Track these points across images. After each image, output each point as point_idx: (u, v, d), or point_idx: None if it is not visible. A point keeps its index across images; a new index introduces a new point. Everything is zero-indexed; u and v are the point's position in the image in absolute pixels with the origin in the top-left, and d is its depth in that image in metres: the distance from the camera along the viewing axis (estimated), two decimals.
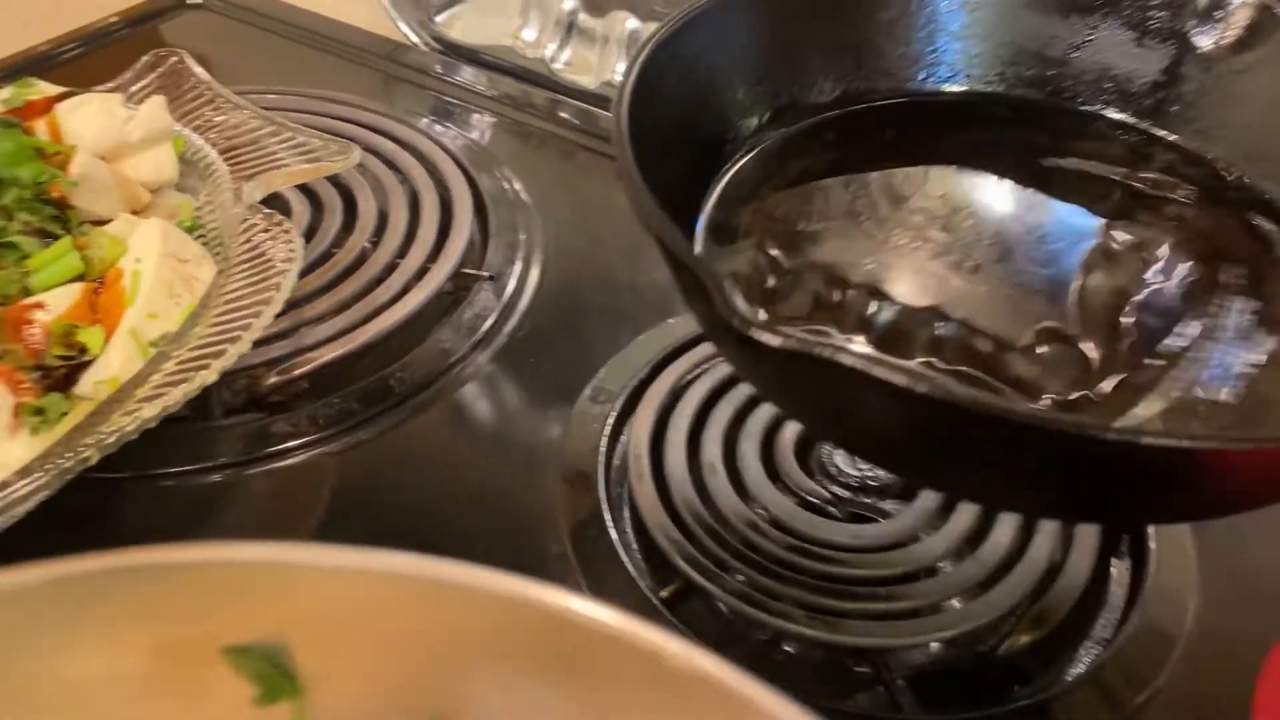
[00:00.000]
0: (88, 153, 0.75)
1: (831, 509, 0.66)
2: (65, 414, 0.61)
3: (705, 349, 0.76)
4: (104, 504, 0.67)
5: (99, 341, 0.64)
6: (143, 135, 0.78)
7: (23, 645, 0.30)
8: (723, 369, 0.74)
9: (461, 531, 0.67)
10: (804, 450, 0.69)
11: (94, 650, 0.30)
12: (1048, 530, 0.64)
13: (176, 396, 0.60)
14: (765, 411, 0.71)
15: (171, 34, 1.14)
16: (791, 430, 0.70)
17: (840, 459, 0.68)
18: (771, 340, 0.38)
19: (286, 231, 0.71)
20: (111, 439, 0.58)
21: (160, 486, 0.71)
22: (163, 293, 0.67)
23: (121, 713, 0.30)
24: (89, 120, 0.77)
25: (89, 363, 0.65)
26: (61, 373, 0.64)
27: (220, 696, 0.31)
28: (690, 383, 0.74)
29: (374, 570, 0.31)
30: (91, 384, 0.63)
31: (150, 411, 0.59)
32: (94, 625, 0.30)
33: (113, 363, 0.64)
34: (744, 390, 0.72)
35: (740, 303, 0.42)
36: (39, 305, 0.65)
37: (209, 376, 0.62)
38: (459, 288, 0.83)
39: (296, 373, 0.73)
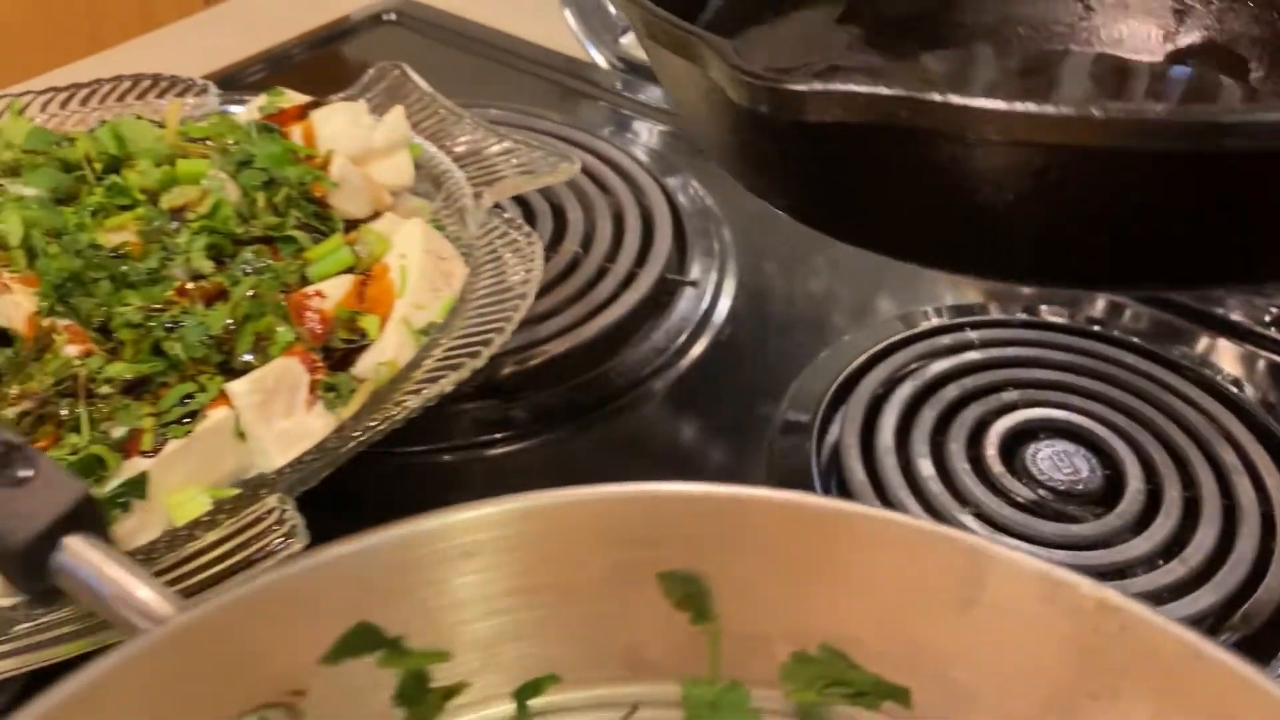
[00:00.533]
0: (342, 156, 0.82)
1: (1038, 510, 0.71)
2: (354, 391, 0.68)
3: (904, 355, 0.81)
4: (351, 477, 0.74)
5: (376, 328, 0.71)
6: (386, 142, 0.85)
7: (506, 563, 0.36)
8: (924, 374, 0.78)
9: None
10: (1009, 453, 0.74)
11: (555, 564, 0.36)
12: (1249, 533, 0.68)
13: (453, 379, 0.67)
14: (970, 414, 0.76)
15: (364, 48, 1.21)
16: (996, 432, 0.74)
17: (1044, 462, 0.73)
18: (842, 90, 0.32)
19: (528, 234, 0.77)
20: (400, 415, 0.65)
21: (403, 463, 0.77)
22: (426, 286, 0.74)
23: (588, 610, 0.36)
24: (341, 127, 0.84)
25: (363, 347, 0.71)
26: (339, 355, 0.71)
27: (649, 612, 0.37)
28: (892, 388, 0.78)
29: (785, 504, 0.36)
30: (373, 366, 0.70)
31: (431, 391, 0.66)
32: (558, 543, 0.36)
33: (388, 348, 0.70)
34: (947, 394, 0.77)
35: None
36: (319, 294, 0.72)
37: (478, 363, 0.68)
38: (662, 292, 0.89)
39: (531, 364, 0.80)
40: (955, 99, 0.33)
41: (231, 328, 0.67)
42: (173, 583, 0.56)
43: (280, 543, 0.57)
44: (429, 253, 0.75)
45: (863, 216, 0.44)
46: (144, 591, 0.46)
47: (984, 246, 0.44)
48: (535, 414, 0.79)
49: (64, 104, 0.92)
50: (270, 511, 0.59)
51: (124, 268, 0.70)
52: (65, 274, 0.69)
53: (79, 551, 0.50)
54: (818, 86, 0.34)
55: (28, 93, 0.92)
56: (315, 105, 0.88)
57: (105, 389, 0.65)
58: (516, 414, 0.79)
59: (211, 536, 0.58)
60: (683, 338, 0.86)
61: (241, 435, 0.66)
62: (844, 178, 0.40)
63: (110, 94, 0.93)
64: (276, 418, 0.65)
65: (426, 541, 0.38)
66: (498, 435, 0.78)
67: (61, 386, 0.64)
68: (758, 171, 0.47)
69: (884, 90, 0.33)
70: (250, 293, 0.69)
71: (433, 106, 0.93)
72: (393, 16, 1.25)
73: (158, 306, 0.68)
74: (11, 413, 0.63)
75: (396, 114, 0.87)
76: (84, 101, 0.92)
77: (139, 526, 0.62)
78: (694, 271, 0.91)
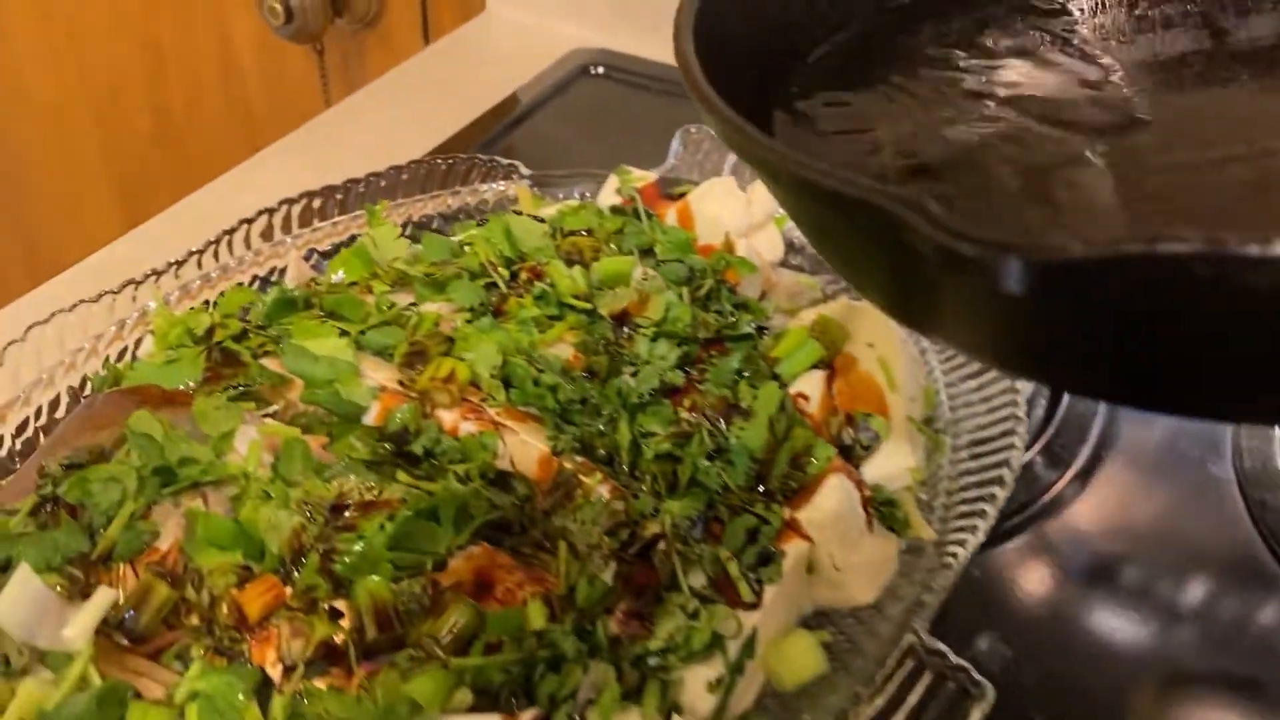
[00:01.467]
0: (742, 238, 0.76)
1: None
2: (896, 504, 0.62)
3: None
4: None
5: (886, 429, 0.65)
6: (763, 214, 0.79)
7: None
8: None
9: None
10: None
11: None
12: None
13: (1000, 496, 0.61)
14: None
15: (587, 106, 1.14)
16: None
17: None
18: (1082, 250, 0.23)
19: None
20: (982, 529, 0.59)
21: None
22: (910, 376, 0.68)
23: None
24: (722, 205, 0.78)
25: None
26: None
27: None
28: None
29: None
30: (898, 471, 0.64)
31: (1001, 494, 0.60)
32: None
33: (905, 450, 0.64)
34: None
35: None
36: (802, 396, 0.66)
37: (1018, 454, 0.63)
38: None
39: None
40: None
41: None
42: None
43: (965, 694, 0.51)
44: (903, 339, 0.69)
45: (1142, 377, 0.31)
46: None
47: None
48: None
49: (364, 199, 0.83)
50: (926, 659, 0.53)
51: (617, 389, 0.63)
52: (569, 402, 0.61)
53: None
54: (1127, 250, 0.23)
55: (326, 188, 0.82)
56: (669, 184, 0.81)
57: (650, 531, 0.57)
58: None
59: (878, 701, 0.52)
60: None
61: (810, 569, 0.59)
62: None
63: (426, 178, 0.84)
64: (852, 545, 0.59)
65: None
66: None
67: (618, 538, 0.56)
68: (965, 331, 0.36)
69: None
70: (753, 398, 0.63)
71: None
72: (600, 69, 1.17)
73: (683, 431, 0.61)
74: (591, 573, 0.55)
75: (760, 186, 0.81)
76: (391, 193, 0.83)
77: (744, 689, 0.55)
78: None
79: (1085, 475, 0.76)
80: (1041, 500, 0.74)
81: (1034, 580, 0.71)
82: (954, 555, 0.58)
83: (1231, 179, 0.37)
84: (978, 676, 0.52)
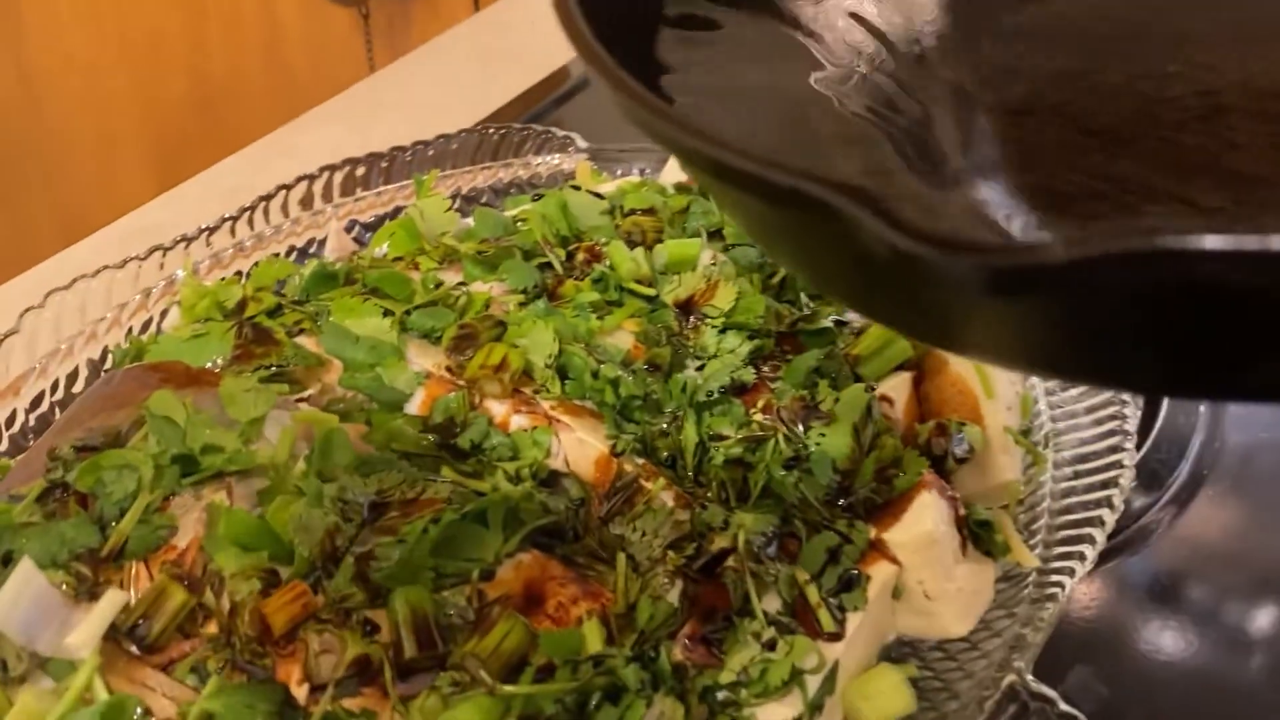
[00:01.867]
0: None
1: None
2: (990, 524, 0.55)
3: None
4: None
5: (982, 440, 0.59)
6: None
7: None
8: None
9: None
10: None
11: None
12: None
13: (1109, 521, 0.55)
14: None
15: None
16: None
17: None
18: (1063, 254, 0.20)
19: None
20: (1089, 559, 0.53)
21: None
22: (1006, 382, 0.62)
23: None
24: None
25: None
26: None
27: None
28: None
29: None
30: (997, 486, 0.57)
31: (1109, 518, 0.54)
32: None
33: (1004, 463, 0.58)
34: None
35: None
36: (885, 399, 0.59)
37: (1126, 473, 0.57)
38: None
39: None
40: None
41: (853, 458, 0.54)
42: None
43: None
44: None
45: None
46: None
47: None
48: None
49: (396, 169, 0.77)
50: (1031, 704, 0.47)
51: (682, 386, 0.57)
52: (630, 397, 0.55)
53: None
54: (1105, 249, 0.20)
55: (371, 155, 0.77)
56: None
57: (719, 546, 0.51)
58: None
59: None
60: None
61: (895, 595, 0.53)
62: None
63: (477, 149, 0.78)
64: (944, 570, 0.53)
65: None
66: None
67: (683, 551, 0.51)
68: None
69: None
70: (834, 401, 0.56)
71: None
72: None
73: (755, 435, 0.55)
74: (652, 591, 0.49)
75: None
76: (439, 163, 0.78)
77: None
78: None
79: (1184, 497, 0.69)
80: (1138, 523, 0.67)
81: (1129, 611, 0.64)
82: (1059, 585, 0.52)
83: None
84: None
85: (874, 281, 0.26)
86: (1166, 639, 0.62)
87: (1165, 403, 0.72)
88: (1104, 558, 0.65)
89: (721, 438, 0.55)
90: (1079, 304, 0.22)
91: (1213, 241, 0.19)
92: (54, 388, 0.63)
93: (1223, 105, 0.32)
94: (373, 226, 0.72)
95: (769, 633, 0.48)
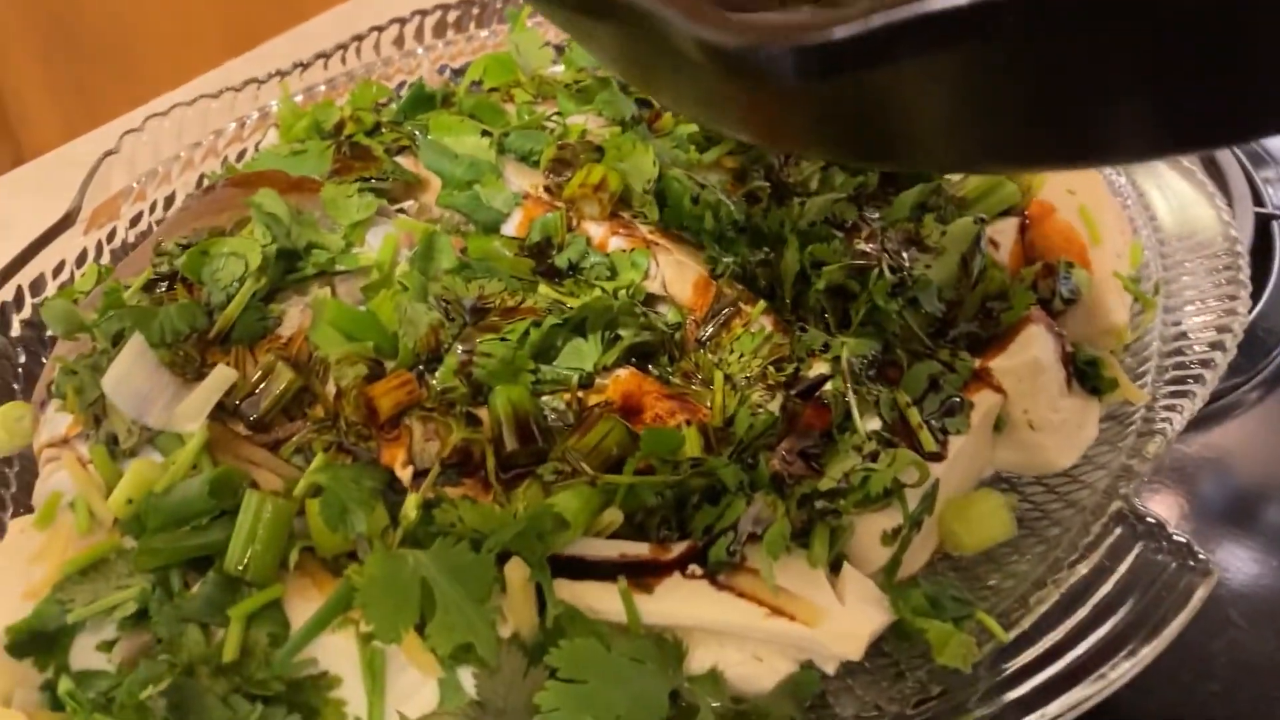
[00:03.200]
0: None
1: None
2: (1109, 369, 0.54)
3: None
4: None
5: (1089, 283, 0.57)
6: None
7: None
8: None
9: None
10: None
11: None
12: None
13: (1220, 362, 0.53)
14: None
15: None
16: None
17: None
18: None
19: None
20: (1198, 398, 0.51)
21: None
22: (1115, 229, 0.60)
23: None
24: None
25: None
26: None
27: None
28: None
29: None
30: (1094, 330, 0.56)
31: (1218, 367, 0.52)
32: None
33: (1113, 309, 0.56)
34: None
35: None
36: (991, 242, 0.58)
37: (1238, 325, 0.55)
38: None
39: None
40: None
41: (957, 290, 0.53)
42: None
43: (1185, 570, 0.44)
44: (1108, 186, 0.61)
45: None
46: None
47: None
48: None
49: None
50: (1139, 528, 0.46)
51: (780, 219, 0.55)
52: (730, 223, 0.54)
53: None
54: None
55: (417, 13, 0.75)
56: None
57: (818, 370, 0.50)
58: None
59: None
60: None
61: (998, 426, 0.52)
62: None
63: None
64: (1049, 403, 0.51)
65: None
66: None
67: (783, 372, 0.50)
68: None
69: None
70: (941, 234, 0.55)
71: None
72: None
73: (859, 264, 0.53)
74: (745, 411, 0.48)
75: None
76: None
77: (918, 548, 0.48)
78: None
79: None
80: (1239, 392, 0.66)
81: (1230, 466, 0.63)
82: (1167, 421, 0.50)
83: None
84: (1201, 552, 0.45)
85: (707, 91, 0.28)
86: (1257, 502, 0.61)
87: (1277, 268, 0.70)
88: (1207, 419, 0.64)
89: (823, 265, 0.54)
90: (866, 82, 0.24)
91: None
92: (152, 209, 0.63)
93: None
94: (463, 71, 0.71)
95: (870, 445, 0.47)
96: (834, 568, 0.46)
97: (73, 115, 1.66)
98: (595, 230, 0.55)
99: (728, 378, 0.50)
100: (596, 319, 0.49)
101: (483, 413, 0.46)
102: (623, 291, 0.52)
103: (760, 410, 0.48)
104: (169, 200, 0.63)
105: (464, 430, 0.44)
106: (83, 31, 1.53)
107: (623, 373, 0.50)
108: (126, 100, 1.54)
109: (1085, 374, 0.53)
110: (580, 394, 0.49)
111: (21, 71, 1.65)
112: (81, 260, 0.59)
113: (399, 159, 0.57)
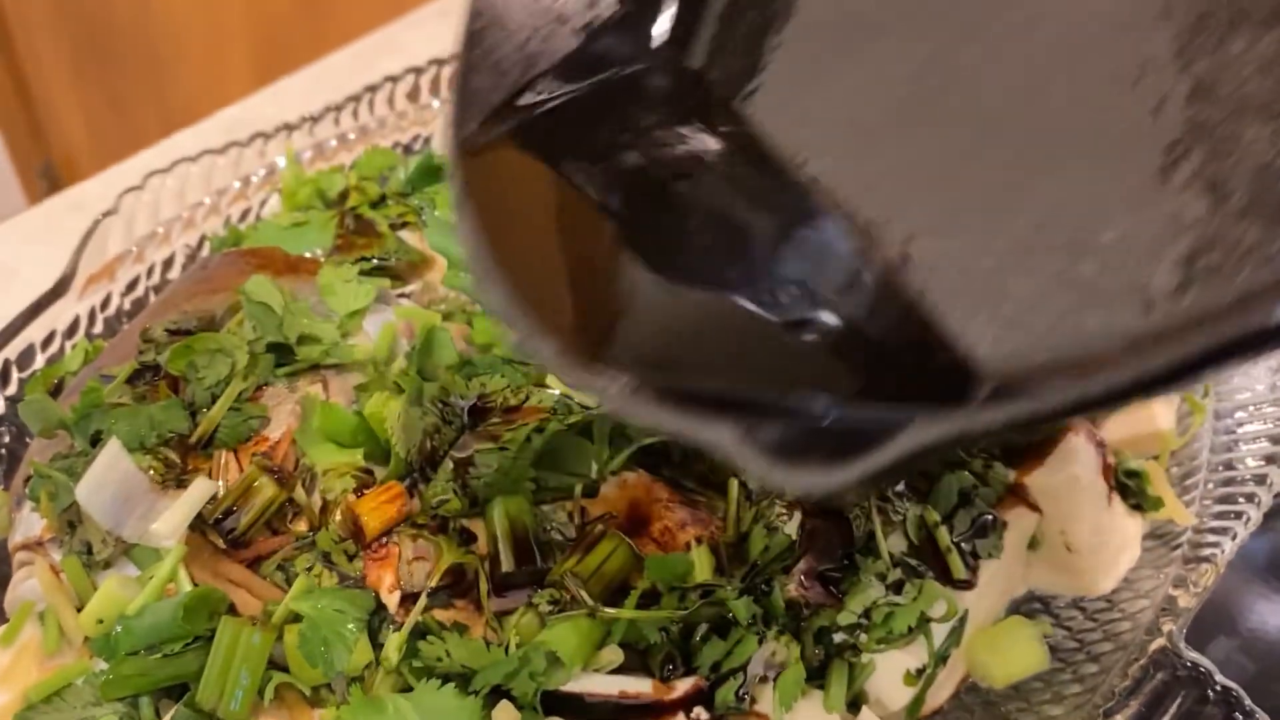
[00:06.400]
0: None
1: None
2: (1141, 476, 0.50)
3: None
4: None
5: None
6: None
7: None
8: None
9: None
10: None
11: None
12: None
13: (1276, 479, 0.49)
14: None
15: None
16: None
17: None
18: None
19: None
20: (1251, 516, 0.48)
21: None
22: None
23: None
24: None
25: None
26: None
27: None
28: None
29: None
30: (1136, 436, 0.52)
31: (1254, 513, 0.49)
32: None
33: (1154, 411, 0.53)
34: None
35: None
36: None
37: None
38: None
39: None
40: None
41: None
42: None
43: None
44: None
45: None
46: None
47: None
48: None
49: None
50: (1182, 674, 0.42)
51: None
52: None
53: None
54: None
55: (433, 62, 0.72)
56: None
57: None
58: None
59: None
60: None
61: (1031, 545, 0.48)
62: None
63: None
64: (1088, 522, 0.48)
65: None
66: None
67: None
68: None
69: None
70: None
71: None
72: None
73: None
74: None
75: None
76: None
77: (942, 681, 0.45)
78: None
79: None
80: None
81: (1272, 583, 0.59)
82: (1217, 547, 0.47)
83: None
84: (1250, 704, 0.41)
85: None
86: None
87: None
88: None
89: None
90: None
91: None
92: (149, 272, 0.60)
93: None
94: None
95: (894, 574, 0.44)
96: (850, 707, 0.43)
97: (102, 125, 1.65)
98: None
99: (743, 485, 0.47)
100: (603, 422, 0.46)
101: (477, 525, 0.43)
102: None
103: (776, 530, 0.45)
104: (167, 263, 0.61)
105: (456, 553, 0.42)
106: (114, 42, 1.52)
107: (630, 476, 0.47)
108: (156, 110, 1.53)
109: (1128, 488, 0.50)
110: (584, 502, 0.46)
111: (52, 80, 1.64)
112: (73, 330, 0.56)
113: (404, 233, 0.54)
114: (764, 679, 0.41)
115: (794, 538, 0.44)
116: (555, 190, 0.34)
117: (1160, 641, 0.44)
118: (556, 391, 0.47)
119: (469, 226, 0.31)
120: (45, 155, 1.72)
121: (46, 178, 1.71)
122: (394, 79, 0.70)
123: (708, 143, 0.33)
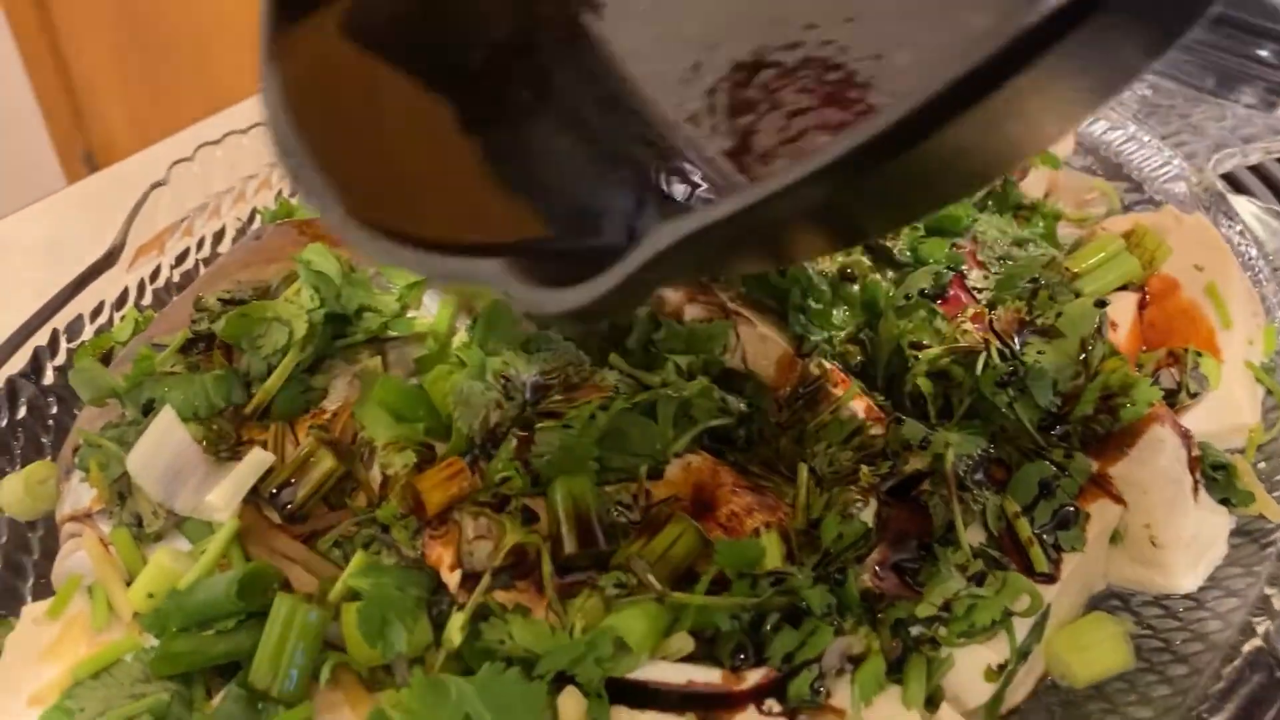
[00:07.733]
0: None
1: None
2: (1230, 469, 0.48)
3: None
4: None
5: (1218, 374, 0.51)
6: None
7: None
8: None
9: None
10: None
11: None
12: None
13: None
14: None
15: None
16: None
17: None
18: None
19: None
20: None
21: None
22: (1247, 311, 0.54)
23: None
24: None
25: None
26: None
27: None
28: None
29: None
30: (1222, 429, 0.50)
31: None
32: None
33: (1241, 403, 0.50)
34: None
35: None
36: (1111, 324, 0.52)
37: None
38: None
39: None
40: None
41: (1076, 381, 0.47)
42: None
43: None
44: (1239, 263, 0.55)
45: None
46: None
47: None
48: None
49: None
50: None
51: (873, 294, 0.50)
52: (820, 295, 0.49)
53: None
54: None
55: None
56: None
57: (915, 466, 0.45)
58: None
59: None
60: None
61: (1113, 539, 0.46)
62: None
63: None
64: (1174, 515, 0.46)
65: None
66: None
67: (877, 469, 0.45)
68: None
69: None
70: (1055, 315, 0.49)
71: None
72: None
73: (965, 346, 0.48)
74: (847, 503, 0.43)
75: None
76: None
77: (1021, 678, 0.43)
78: None
79: None
80: None
81: None
82: None
83: None
84: None
85: None
86: None
87: None
88: None
89: (921, 347, 0.48)
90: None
91: None
92: (199, 245, 0.59)
93: None
94: None
95: (976, 565, 0.42)
96: (927, 703, 0.41)
97: (143, 111, 1.65)
98: (672, 296, 0.50)
99: (813, 470, 0.45)
100: (668, 402, 0.45)
101: (540, 505, 0.42)
102: (698, 365, 0.47)
103: (851, 517, 0.43)
104: (218, 236, 0.60)
105: (520, 532, 0.40)
106: (158, 26, 1.52)
107: (695, 459, 0.45)
108: (199, 97, 1.52)
109: (1215, 482, 0.47)
110: (648, 484, 0.44)
111: (95, 65, 1.64)
112: (122, 301, 0.55)
113: None
114: (840, 672, 0.39)
115: (869, 525, 0.42)
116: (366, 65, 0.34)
117: (1256, 642, 0.41)
118: (618, 370, 0.46)
119: (272, 93, 0.32)
120: (87, 143, 1.72)
121: (88, 165, 1.72)
122: None
123: None
